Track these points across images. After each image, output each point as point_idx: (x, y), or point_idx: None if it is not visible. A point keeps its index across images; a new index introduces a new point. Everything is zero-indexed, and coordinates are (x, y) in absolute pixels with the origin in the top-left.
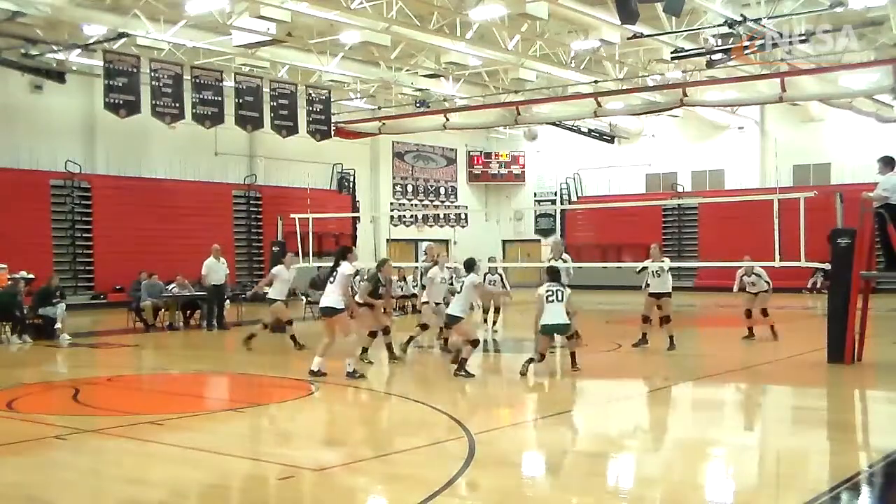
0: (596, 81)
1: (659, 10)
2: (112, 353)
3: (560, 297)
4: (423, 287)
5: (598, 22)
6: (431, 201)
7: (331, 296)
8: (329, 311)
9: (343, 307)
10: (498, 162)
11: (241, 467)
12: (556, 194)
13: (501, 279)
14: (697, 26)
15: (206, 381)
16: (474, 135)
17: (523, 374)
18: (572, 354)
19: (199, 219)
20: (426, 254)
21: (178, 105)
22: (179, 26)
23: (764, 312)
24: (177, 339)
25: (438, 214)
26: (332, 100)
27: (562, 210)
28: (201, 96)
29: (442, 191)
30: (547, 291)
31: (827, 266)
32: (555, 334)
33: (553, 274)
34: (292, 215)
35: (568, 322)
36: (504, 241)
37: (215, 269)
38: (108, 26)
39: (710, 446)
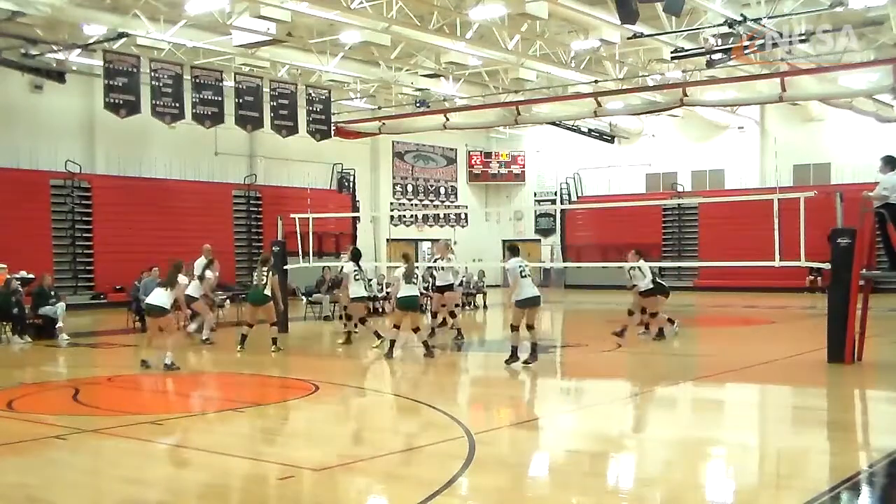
0: (596, 81)
1: (659, 10)
2: (112, 353)
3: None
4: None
5: (598, 22)
6: (431, 201)
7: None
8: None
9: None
10: (498, 162)
11: (241, 467)
12: (556, 194)
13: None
14: (697, 26)
15: (206, 381)
16: (474, 135)
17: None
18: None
19: (199, 219)
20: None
21: (178, 105)
22: (179, 26)
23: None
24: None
25: (438, 214)
26: (332, 100)
27: (562, 210)
28: (201, 96)
29: (442, 191)
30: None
31: (827, 266)
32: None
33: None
34: (292, 215)
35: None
36: (504, 241)
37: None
38: (108, 26)
39: (710, 446)
